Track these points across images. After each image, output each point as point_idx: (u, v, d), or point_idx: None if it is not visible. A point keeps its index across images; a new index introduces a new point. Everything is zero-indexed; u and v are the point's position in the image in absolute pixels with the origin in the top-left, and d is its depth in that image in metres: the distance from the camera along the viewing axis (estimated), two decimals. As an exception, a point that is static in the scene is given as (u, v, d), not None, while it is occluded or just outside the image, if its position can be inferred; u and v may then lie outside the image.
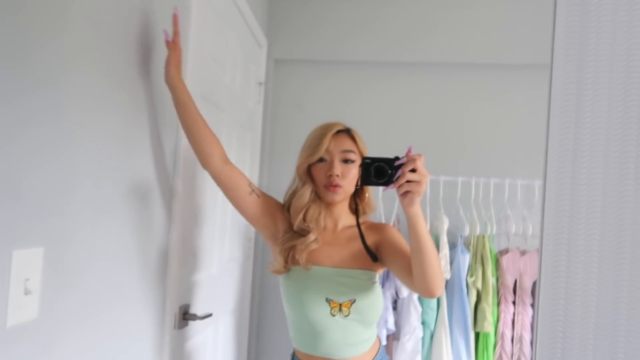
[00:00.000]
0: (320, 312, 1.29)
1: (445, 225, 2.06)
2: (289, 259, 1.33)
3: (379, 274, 1.38)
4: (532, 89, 2.47)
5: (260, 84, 2.40)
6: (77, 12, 0.94)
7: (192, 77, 1.50)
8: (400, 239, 1.35)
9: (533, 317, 2.05)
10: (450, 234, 2.12)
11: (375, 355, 1.37)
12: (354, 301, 1.29)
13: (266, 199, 1.40)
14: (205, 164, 1.33)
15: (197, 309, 1.61)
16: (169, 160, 1.42)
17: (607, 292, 0.71)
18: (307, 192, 1.34)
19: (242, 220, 1.49)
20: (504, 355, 2.01)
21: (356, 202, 1.41)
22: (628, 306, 0.71)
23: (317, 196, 1.36)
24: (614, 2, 0.71)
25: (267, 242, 1.44)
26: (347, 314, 1.28)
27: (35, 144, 0.84)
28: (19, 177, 0.81)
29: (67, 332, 0.96)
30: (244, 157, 2.20)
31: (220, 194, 1.41)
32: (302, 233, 1.34)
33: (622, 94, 0.71)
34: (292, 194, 1.40)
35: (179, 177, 1.46)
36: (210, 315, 1.59)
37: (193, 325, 1.59)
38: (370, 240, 1.37)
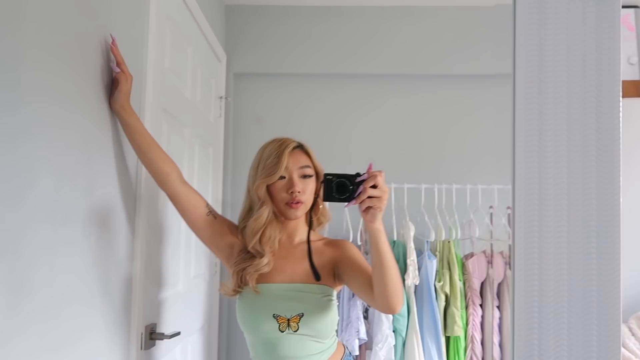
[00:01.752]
0: (269, 328, 1.28)
1: (411, 232, 2.08)
2: (242, 280, 1.32)
3: (336, 290, 1.37)
4: (481, 97, 2.55)
5: (221, 98, 2.38)
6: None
7: (152, 91, 1.47)
8: (359, 255, 1.35)
9: (501, 318, 2.10)
10: (416, 240, 2.14)
11: None
12: (302, 315, 1.28)
13: (222, 221, 1.41)
14: (163, 184, 1.32)
15: (164, 327, 1.56)
16: (132, 170, 1.37)
17: (577, 280, 0.74)
18: (265, 213, 1.33)
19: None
20: (474, 358, 2.03)
21: (311, 216, 1.40)
22: (597, 289, 0.74)
23: (274, 216, 1.35)
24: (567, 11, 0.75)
25: (223, 262, 1.43)
26: (295, 328, 1.27)
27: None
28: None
29: (24, 357, 0.90)
30: (206, 172, 2.17)
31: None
32: (256, 255, 1.32)
33: (580, 97, 0.76)
34: (247, 215, 1.38)
35: (141, 189, 1.41)
36: (178, 333, 1.54)
37: (160, 345, 1.53)
38: (327, 256, 1.36)
